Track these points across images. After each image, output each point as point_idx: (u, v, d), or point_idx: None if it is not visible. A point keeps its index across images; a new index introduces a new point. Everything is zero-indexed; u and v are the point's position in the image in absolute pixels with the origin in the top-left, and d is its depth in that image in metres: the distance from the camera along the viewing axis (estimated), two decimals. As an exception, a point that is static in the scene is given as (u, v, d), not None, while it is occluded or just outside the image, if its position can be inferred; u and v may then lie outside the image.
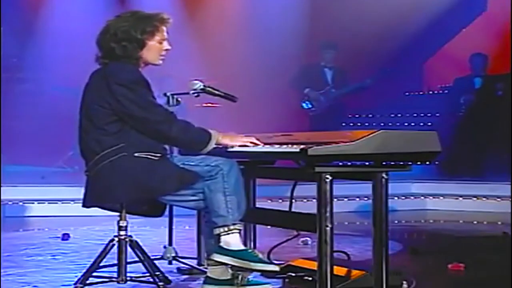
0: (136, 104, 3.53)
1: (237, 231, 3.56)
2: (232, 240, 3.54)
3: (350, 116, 10.92)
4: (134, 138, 3.57)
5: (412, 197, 8.23)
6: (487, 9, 11.52)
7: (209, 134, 3.61)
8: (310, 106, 9.45)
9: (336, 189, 3.43)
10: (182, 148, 3.88)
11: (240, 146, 3.68)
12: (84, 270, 3.71)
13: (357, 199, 7.63)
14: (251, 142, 3.69)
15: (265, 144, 3.73)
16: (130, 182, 3.52)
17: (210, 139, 3.60)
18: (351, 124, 10.64)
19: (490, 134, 9.39)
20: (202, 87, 4.19)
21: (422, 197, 8.23)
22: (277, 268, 3.62)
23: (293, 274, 3.96)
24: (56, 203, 7.47)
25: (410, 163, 3.52)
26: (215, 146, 3.62)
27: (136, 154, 3.55)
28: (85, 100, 3.67)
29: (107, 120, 3.56)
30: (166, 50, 3.74)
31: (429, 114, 10.82)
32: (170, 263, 4.41)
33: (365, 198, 7.44)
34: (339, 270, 3.70)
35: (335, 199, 3.43)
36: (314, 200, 3.42)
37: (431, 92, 11.60)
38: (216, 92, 4.21)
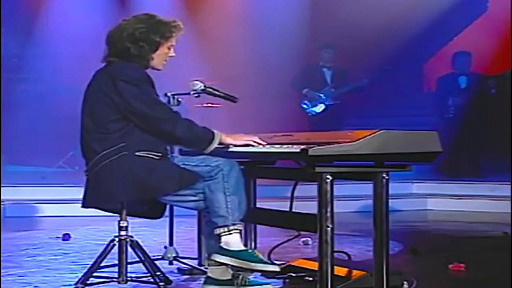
0: (141, 101, 3.54)
1: (238, 231, 3.57)
2: (233, 241, 3.55)
3: (350, 116, 10.91)
4: (137, 137, 3.58)
5: (412, 197, 8.23)
6: (487, 10, 11.53)
7: (213, 133, 3.63)
8: (309, 106, 9.45)
9: (336, 189, 3.44)
10: (186, 146, 3.88)
11: (242, 145, 3.69)
12: (85, 270, 3.71)
13: (358, 199, 7.62)
14: (254, 141, 3.70)
15: (266, 144, 3.73)
16: (130, 181, 3.52)
17: (213, 138, 3.61)
18: (351, 124, 10.63)
19: (490, 134, 9.40)
20: (202, 87, 4.19)
21: (423, 197, 8.23)
22: (277, 269, 3.62)
23: (294, 274, 3.97)
24: (56, 203, 7.47)
25: (410, 163, 3.52)
26: (217, 145, 3.63)
27: (137, 154, 3.56)
28: (88, 99, 3.68)
29: (110, 118, 3.57)
30: (171, 56, 3.77)
31: (429, 115, 10.82)
32: (170, 263, 4.41)
33: (366, 199, 7.43)
34: (340, 271, 3.71)
35: (335, 199, 3.43)
36: (315, 200, 3.42)
37: (431, 92, 11.60)
38: (217, 92, 4.22)
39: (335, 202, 3.39)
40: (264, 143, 3.72)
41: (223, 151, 3.69)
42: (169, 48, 3.75)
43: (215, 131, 3.65)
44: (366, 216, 7.05)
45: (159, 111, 3.58)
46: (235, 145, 3.68)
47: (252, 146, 3.69)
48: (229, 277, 3.68)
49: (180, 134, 3.58)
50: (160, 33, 3.68)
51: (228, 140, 3.67)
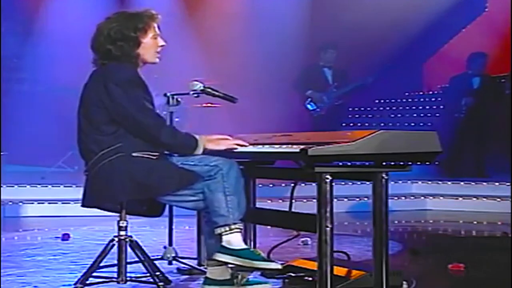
0: (129, 105, 3.53)
1: (238, 230, 3.56)
2: (234, 239, 3.54)
3: (350, 116, 10.93)
4: (132, 138, 3.57)
5: (412, 197, 8.23)
6: (487, 9, 11.54)
7: (196, 140, 3.62)
8: (314, 107, 9.45)
9: (336, 189, 3.43)
10: (171, 152, 3.87)
11: (225, 150, 3.68)
12: (84, 270, 3.70)
13: (357, 199, 7.61)
14: (236, 144, 3.69)
15: (265, 144, 3.73)
16: (129, 182, 3.52)
17: (197, 145, 3.61)
18: (351, 124, 10.65)
19: (491, 134, 9.40)
20: (202, 88, 4.18)
21: (422, 197, 8.24)
22: (279, 266, 3.61)
23: (293, 274, 3.96)
24: (56, 203, 7.46)
25: (410, 163, 3.52)
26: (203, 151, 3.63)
27: (134, 154, 3.55)
28: (83, 100, 3.67)
29: (104, 120, 3.56)
30: (161, 46, 3.75)
31: (429, 114, 10.83)
32: (170, 263, 4.41)
33: (365, 198, 7.43)
34: (339, 270, 3.70)
35: (335, 199, 3.42)
36: (314, 200, 3.42)
37: (431, 92, 11.62)
38: (216, 93, 4.21)
39: (334, 202, 3.39)
40: (247, 144, 3.71)
41: (222, 151, 3.68)
42: (154, 38, 3.71)
43: (198, 137, 3.64)
44: (356, 216, 7.06)
45: (146, 117, 3.56)
46: (218, 151, 3.67)
47: (235, 149, 3.68)
48: (228, 277, 3.68)
49: (165, 141, 3.58)
50: (133, 27, 3.64)
51: (210, 145, 3.66)
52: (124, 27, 3.63)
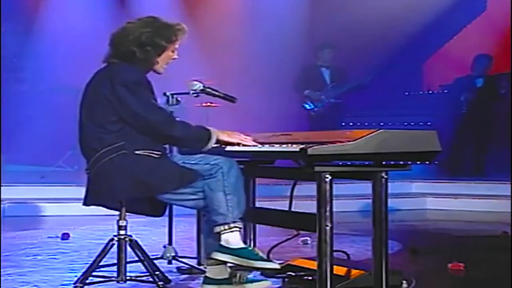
0: (138, 105, 3.55)
1: (238, 229, 3.57)
2: (232, 238, 3.55)
3: (350, 116, 10.92)
4: (135, 136, 3.58)
5: (412, 197, 8.22)
6: (486, 9, 11.54)
7: (209, 132, 3.63)
8: (312, 106, 9.45)
9: (337, 189, 3.43)
10: (184, 147, 3.90)
11: (238, 144, 3.69)
12: (84, 270, 3.71)
13: (359, 198, 7.61)
14: (246, 140, 3.71)
15: (265, 143, 3.73)
16: (130, 179, 3.53)
17: (210, 136, 3.62)
18: (351, 124, 10.64)
19: (491, 133, 9.40)
20: (201, 87, 4.18)
21: (422, 197, 8.23)
22: (277, 266, 3.62)
23: (293, 274, 3.96)
24: (56, 202, 7.46)
25: (409, 162, 3.52)
26: (215, 144, 3.64)
27: (136, 152, 3.56)
28: (86, 98, 3.68)
29: (108, 119, 3.58)
30: (173, 59, 3.78)
31: (429, 114, 10.82)
32: (169, 262, 4.41)
33: (365, 198, 7.42)
34: (339, 270, 3.70)
35: (336, 199, 3.42)
36: (314, 200, 3.42)
37: (431, 92, 11.61)
38: (216, 92, 4.21)
39: (336, 202, 3.39)
40: (257, 144, 3.72)
41: (222, 150, 3.69)
42: (172, 51, 3.77)
43: (212, 129, 3.66)
44: (368, 215, 7.06)
45: (155, 115, 3.58)
46: (230, 143, 3.68)
47: (246, 145, 3.69)
48: (227, 276, 3.68)
49: (177, 135, 3.59)
50: (166, 37, 3.70)
51: (224, 136, 3.68)
52: (157, 35, 3.67)
